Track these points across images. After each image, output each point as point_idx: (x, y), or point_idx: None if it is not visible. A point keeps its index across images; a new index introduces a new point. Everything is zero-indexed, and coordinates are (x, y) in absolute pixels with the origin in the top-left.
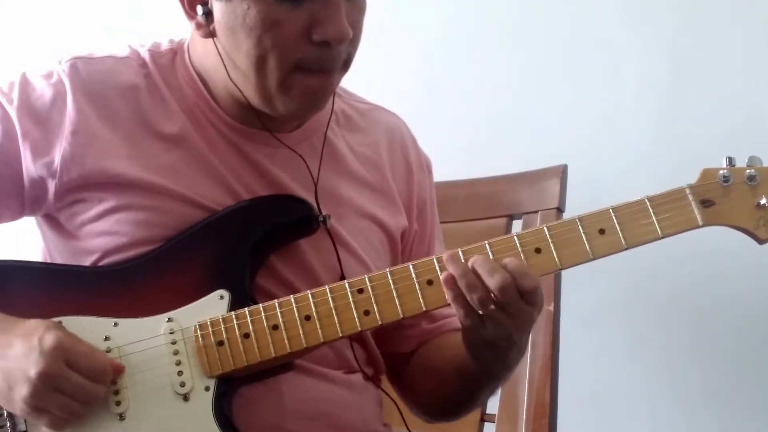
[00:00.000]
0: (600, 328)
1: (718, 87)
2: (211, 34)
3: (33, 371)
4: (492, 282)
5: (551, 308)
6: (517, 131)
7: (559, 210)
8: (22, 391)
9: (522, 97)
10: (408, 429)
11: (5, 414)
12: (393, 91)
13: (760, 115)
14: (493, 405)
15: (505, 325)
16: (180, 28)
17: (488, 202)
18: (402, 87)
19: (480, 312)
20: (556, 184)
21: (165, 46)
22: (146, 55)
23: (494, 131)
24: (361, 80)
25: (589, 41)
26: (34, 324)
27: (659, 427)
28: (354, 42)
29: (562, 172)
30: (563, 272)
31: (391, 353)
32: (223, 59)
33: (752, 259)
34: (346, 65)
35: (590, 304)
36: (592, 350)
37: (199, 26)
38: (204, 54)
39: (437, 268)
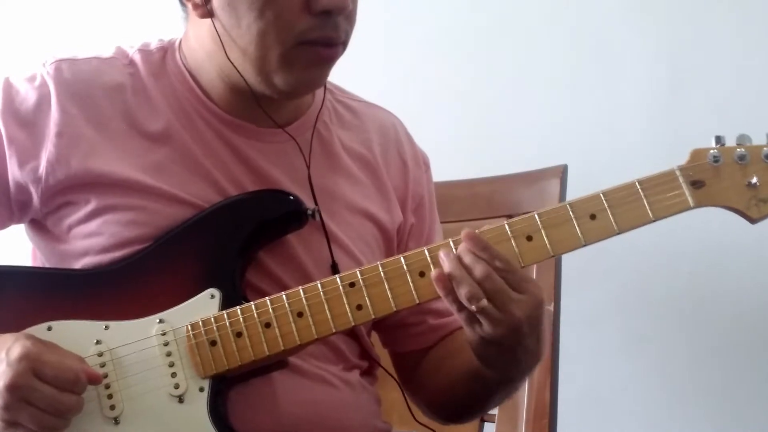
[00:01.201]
0: (600, 328)
1: (718, 87)
2: (209, 13)
3: (1, 384)
4: (476, 272)
5: (551, 308)
6: (517, 131)
7: None
8: None
9: (522, 97)
10: (414, 417)
11: None
12: (392, 91)
13: (760, 115)
14: None
15: (500, 322)
16: (177, 30)
17: (488, 202)
18: (402, 87)
19: (472, 308)
20: (556, 184)
21: (155, 45)
22: (136, 55)
23: (494, 131)
24: (361, 80)
25: (589, 41)
26: (5, 337)
27: (659, 427)
28: (350, 20)
29: (562, 172)
30: (563, 272)
31: (400, 353)
32: (221, 38)
33: (752, 260)
34: (344, 43)
35: (590, 304)
36: (592, 350)
37: (196, 6)
38: (198, 42)
39: (428, 258)
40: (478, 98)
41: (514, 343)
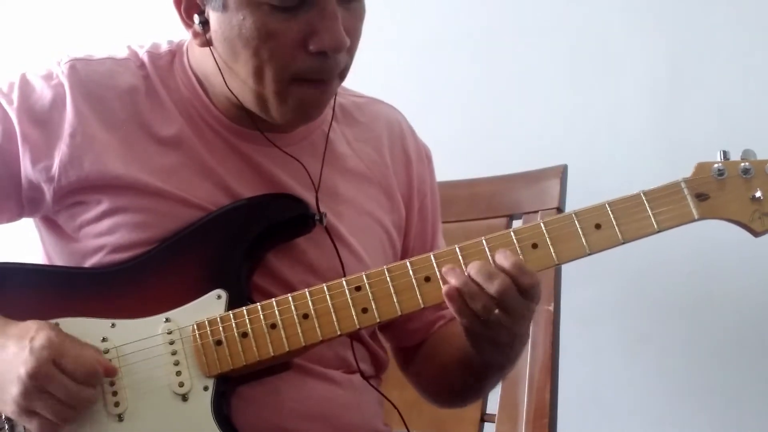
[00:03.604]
0: (600, 328)
1: (717, 87)
2: (208, 42)
3: (23, 370)
4: (492, 287)
5: (551, 308)
6: (517, 131)
7: (559, 210)
8: (13, 390)
9: (522, 97)
10: (407, 429)
11: (3, 416)
12: (393, 90)
13: (760, 115)
14: (493, 405)
15: (506, 324)
16: (181, 29)
17: (488, 202)
18: (402, 87)
19: (483, 318)
20: (556, 184)
21: (164, 47)
22: (145, 57)
23: (494, 131)
24: (361, 80)
25: (589, 41)
26: (29, 324)
27: (659, 427)
28: (351, 50)
29: (562, 172)
30: (563, 272)
31: (401, 348)
32: (220, 67)
33: (751, 260)
34: (342, 74)
35: (590, 304)
36: (592, 350)
37: (196, 35)
38: (202, 57)
39: (434, 264)
40: (479, 98)
41: (512, 338)
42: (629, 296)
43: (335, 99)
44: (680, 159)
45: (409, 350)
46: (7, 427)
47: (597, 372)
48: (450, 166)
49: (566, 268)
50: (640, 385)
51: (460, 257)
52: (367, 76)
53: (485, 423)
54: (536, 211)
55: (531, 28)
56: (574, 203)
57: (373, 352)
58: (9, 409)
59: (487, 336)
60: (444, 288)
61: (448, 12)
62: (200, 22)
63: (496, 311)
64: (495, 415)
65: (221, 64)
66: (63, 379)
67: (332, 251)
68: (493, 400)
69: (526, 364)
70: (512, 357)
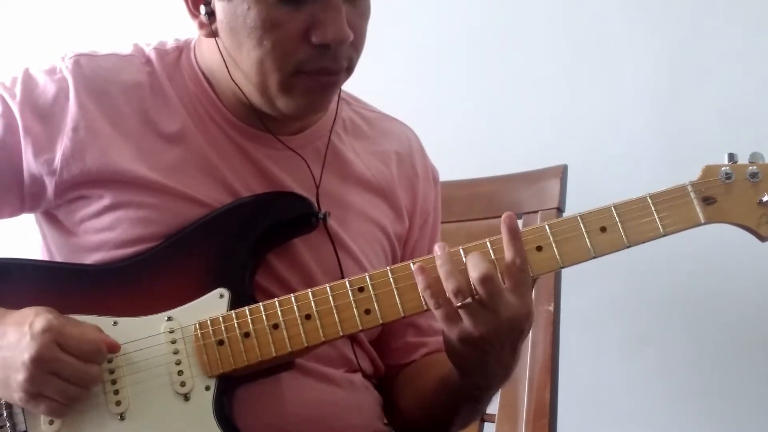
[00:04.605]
0: (600, 328)
1: (717, 86)
2: (214, 33)
3: (26, 356)
4: (474, 272)
5: (551, 308)
6: (517, 131)
7: (559, 210)
8: (18, 377)
9: (522, 97)
10: None
11: (5, 414)
12: (393, 91)
13: (760, 115)
14: (493, 405)
15: (483, 321)
16: (185, 29)
17: (488, 202)
18: (402, 87)
19: (456, 303)
20: (556, 184)
21: (171, 44)
22: (152, 54)
23: (494, 131)
24: (361, 80)
25: (589, 41)
26: (26, 311)
27: (659, 427)
28: (356, 46)
29: (562, 172)
30: (563, 272)
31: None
32: (225, 59)
33: (752, 260)
34: (349, 69)
35: (590, 304)
36: (592, 350)
37: (201, 25)
38: (209, 53)
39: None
40: (478, 98)
41: (489, 348)
42: (629, 297)
43: (343, 108)
44: (680, 159)
45: (387, 371)
46: (9, 424)
47: (597, 372)
48: (450, 166)
49: (566, 269)
50: (640, 385)
51: (464, 259)
52: (367, 76)
53: (485, 423)
54: (536, 211)
55: (531, 28)
56: (574, 203)
57: (372, 356)
58: (16, 396)
59: (462, 332)
60: (414, 264)
61: (448, 12)
62: (206, 13)
63: (469, 300)
64: (495, 415)
65: (226, 56)
66: (68, 359)
67: (330, 254)
68: (493, 400)
69: (526, 364)
70: (489, 378)
